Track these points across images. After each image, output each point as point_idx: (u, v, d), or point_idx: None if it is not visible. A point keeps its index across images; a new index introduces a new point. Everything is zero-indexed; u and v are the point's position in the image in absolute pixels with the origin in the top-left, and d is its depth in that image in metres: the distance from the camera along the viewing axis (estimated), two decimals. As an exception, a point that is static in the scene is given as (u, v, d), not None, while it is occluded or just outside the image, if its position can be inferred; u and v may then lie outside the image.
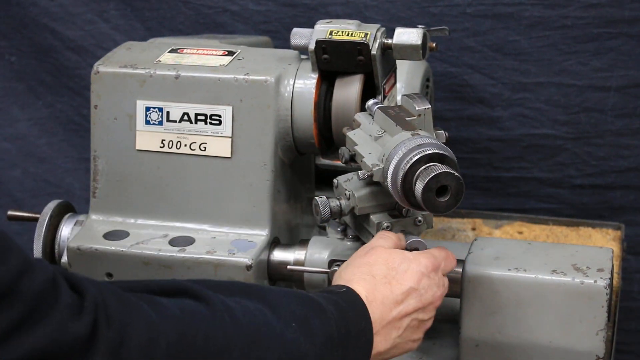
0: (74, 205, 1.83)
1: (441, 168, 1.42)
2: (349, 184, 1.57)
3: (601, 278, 1.53)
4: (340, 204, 1.57)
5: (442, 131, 1.56)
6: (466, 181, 2.31)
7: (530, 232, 2.11)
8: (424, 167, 1.43)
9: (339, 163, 1.63)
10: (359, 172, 1.53)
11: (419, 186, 1.42)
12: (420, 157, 1.43)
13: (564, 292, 1.54)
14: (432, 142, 1.46)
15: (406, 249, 1.51)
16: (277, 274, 1.69)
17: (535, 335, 1.56)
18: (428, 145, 1.45)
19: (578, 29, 2.17)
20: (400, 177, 1.44)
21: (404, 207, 1.54)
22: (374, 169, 1.50)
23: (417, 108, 1.53)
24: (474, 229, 2.12)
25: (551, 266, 1.56)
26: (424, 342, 1.70)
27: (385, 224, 1.54)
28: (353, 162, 1.59)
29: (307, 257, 1.67)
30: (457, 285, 1.60)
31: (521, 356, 1.57)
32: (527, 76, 2.22)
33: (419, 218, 1.56)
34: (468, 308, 1.58)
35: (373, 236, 1.55)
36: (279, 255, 1.69)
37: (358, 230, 1.62)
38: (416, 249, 1.51)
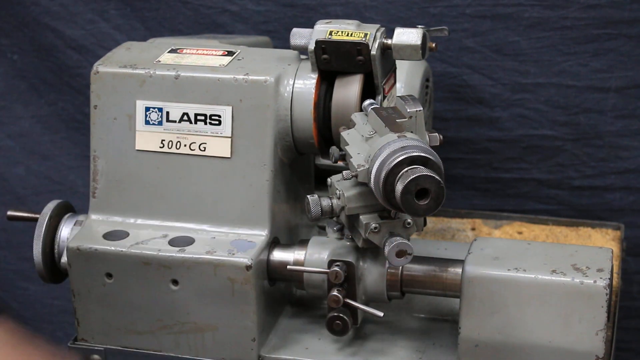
0: (76, 202, 1.83)
1: (422, 171, 1.41)
2: (341, 183, 1.58)
3: (601, 278, 1.53)
4: (332, 203, 1.57)
5: (436, 134, 1.56)
6: (465, 182, 2.35)
7: (529, 232, 2.11)
8: (405, 169, 1.43)
9: (338, 163, 1.63)
10: (344, 172, 1.54)
11: (398, 188, 1.42)
12: (402, 159, 1.43)
13: (564, 292, 1.54)
14: (417, 144, 1.46)
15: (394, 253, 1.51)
16: (276, 274, 1.69)
17: (535, 335, 1.56)
18: (412, 147, 1.45)
19: (577, 29, 2.17)
20: (382, 178, 1.44)
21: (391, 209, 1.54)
22: (359, 170, 1.50)
23: (408, 110, 1.53)
24: (473, 229, 2.12)
25: (551, 266, 1.56)
26: (424, 342, 1.71)
27: (373, 225, 1.54)
28: (343, 161, 1.60)
29: (306, 257, 1.67)
30: (457, 285, 1.60)
31: (521, 356, 1.57)
32: (527, 77, 2.22)
33: (409, 220, 1.56)
34: (467, 308, 1.58)
35: (363, 237, 1.55)
36: (278, 255, 1.69)
37: (351, 230, 1.62)
38: (404, 252, 1.51)
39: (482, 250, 1.62)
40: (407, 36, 1.67)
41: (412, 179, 1.41)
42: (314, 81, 1.69)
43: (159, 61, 1.73)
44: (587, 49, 2.18)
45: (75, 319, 1.72)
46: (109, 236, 1.69)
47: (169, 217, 1.71)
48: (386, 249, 1.52)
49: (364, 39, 1.65)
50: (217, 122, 1.68)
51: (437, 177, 1.42)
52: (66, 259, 1.69)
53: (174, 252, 1.64)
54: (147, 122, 1.71)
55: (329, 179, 1.61)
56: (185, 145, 1.70)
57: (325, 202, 1.58)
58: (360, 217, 1.56)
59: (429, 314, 1.79)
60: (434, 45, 1.71)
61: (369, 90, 1.69)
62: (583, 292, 1.53)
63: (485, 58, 2.22)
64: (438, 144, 1.55)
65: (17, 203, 2.54)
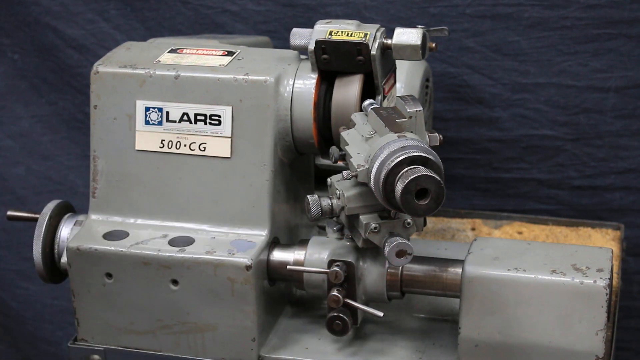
0: (76, 202, 1.83)
1: (422, 171, 1.41)
2: (341, 183, 1.58)
3: (601, 278, 1.53)
4: (332, 203, 1.57)
5: (436, 134, 1.56)
6: (465, 182, 2.35)
7: (529, 232, 2.11)
8: (405, 169, 1.43)
9: (338, 163, 1.63)
10: (344, 172, 1.54)
11: (398, 188, 1.42)
12: (402, 159, 1.43)
13: (564, 292, 1.54)
14: (417, 144, 1.46)
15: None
16: (276, 274, 1.69)
17: (535, 335, 1.56)
18: (412, 147, 1.44)
19: (577, 29, 2.17)
20: (382, 178, 1.44)
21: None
22: (359, 170, 1.50)
23: (408, 110, 1.53)
24: (473, 229, 2.12)
25: (551, 266, 1.56)
26: (424, 342, 1.71)
27: (373, 225, 1.54)
28: (343, 161, 1.60)
29: (306, 257, 1.67)
30: (457, 285, 1.60)
31: (521, 356, 1.57)
32: (527, 77, 2.22)
33: (408, 220, 1.56)
34: (467, 308, 1.58)
35: (363, 237, 1.55)
36: (278, 255, 1.69)
37: (351, 230, 1.62)
38: (404, 252, 1.51)
39: (482, 250, 1.62)
40: (407, 36, 1.67)
41: (412, 179, 1.41)
42: (314, 81, 1.68)
43: (159, 61, 1.73)
44: (587, 49, 2.18)
45: (75, 319, 1.73)
46: (109, 236, 1.69)
47: (169, 217, 1.71)
48: (386, 249, 1.52)
49: (364, 39, 1.65)
50: (217, 122, 1.68)
51: (437, 177, 1.42)
52: (66, 259, 1.69)
53: (174, 252, 1.64)
54: (147, 122, 1.71)
55: (329, 179, 1.61)
56: (185, 145, 1.70)
57: (325, 202, 1.58)
58: (360, 217, 1.56)
59: (429, 314, 1.79)
60: (434, 45, 1.71)
61: (369, 90, 1.69)
62: (583, 292, 1.53)
63: (485, 58, 2.22)
64: (438, 144, 1.55)
65: (17, 203, 2.54)
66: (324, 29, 1.68)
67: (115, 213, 1.73)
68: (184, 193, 1.71)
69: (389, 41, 1.67)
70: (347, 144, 1.58)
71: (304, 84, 1.69)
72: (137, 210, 1.73)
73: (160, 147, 1.71)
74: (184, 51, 1.76)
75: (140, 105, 1.70)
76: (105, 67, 1.72)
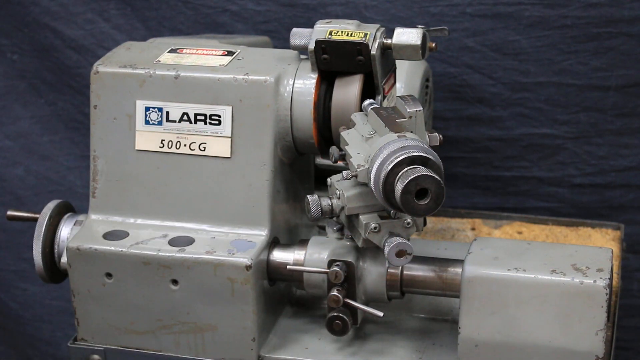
0: (76, 203, 1.83)
1: (422, 171, 1.42)
2: (341, 183, 1.58)
3: (600, 278, 1.53)
4: (332, 203, 1.58)
5: (436, 134, 1.56)
6: (466, 180, 2.35)
7: (529, 232, 2.10)
8: (405, 169, 1.43)
9: (338, 163, 1.63)
10: (344, 172, 1.54)
11: (398, 188, 1.42)
12: (402, 159, 1.43)
13: (564, 292, 1.54)
14: (417, 144, 1.46)
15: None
16: (276, 274, 1.69)
17: (535, 335, 1.56)
18: (412, 147, 1.45)
19: (578, 28, 2.17)
20: (382, 178, 1.44)
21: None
22: (358, 170, 1.50)
23: (408, 110, 1.53)
24: (473, 229, 2.12)
25: (551, 266, 1.56)
26: (424, 342, 1.71)
27: (373, 225, 1.54)
28: (343, 161, 1.60)
29: (306, 257, 1.67)
30: (457, 285, 1.60)
31: (521, 356, 1.57)
32: (527, 76, 2.22)
33: (408, 220, 1.56)
34: (467, 308, 1.58)
35: (363, 237, 1.55)
36: (278, 255, 1.69)
37: (351, 230, 1.62)
38: (404, 252, 1.51)
39: (482, 250, 1.62)
40: (407, 36, 1.67)
41: (412, 179, 1.41)
42: (314, 81, 1.68)
43: (159, 61, 1.73)
44: (587, 48, 2.18)
45: (75, 319, 1.73)
46: (109, 236, 1.69)
47: (169, 217, 1.71)
48: (386, 249, 1.52)
49: (364, 39, 1.65)
50: (217, 122, 1.68)
51: (436, 177, 1.42)
52: (66, 259, 1.69)
53: (174, 252, 1.64)
54: (147, 122, 1.71)
55: (329, 179, 1.62)
56: (185, 145, 1.70)
57: (325, 202, 1.58)
58: (360, 217, 1.56)
59: (429, 314, 1.79)
60: (434, 45, 1.71)
61: (369, 90, 1.69)
62: (583, 292, 1.53)
63: (485, 57, 2.22)
64: (438, 144, 1.55)
65: (16, 203, 2.54)
66: (324, 29, 1.68)
67: (115, 213, 1.74)
68: (184, 193, 1.71)
69: (389, 41, 1.67)
70: (347, 144, 1.58)
71: (304, 84, 1.69)
72: (137, 210, 1.73)
73: (160, 147, 1.71)
74: (184, 51, 1.76)
75: (140, 105, 1.70)
76: (105, 67, 1.72)
